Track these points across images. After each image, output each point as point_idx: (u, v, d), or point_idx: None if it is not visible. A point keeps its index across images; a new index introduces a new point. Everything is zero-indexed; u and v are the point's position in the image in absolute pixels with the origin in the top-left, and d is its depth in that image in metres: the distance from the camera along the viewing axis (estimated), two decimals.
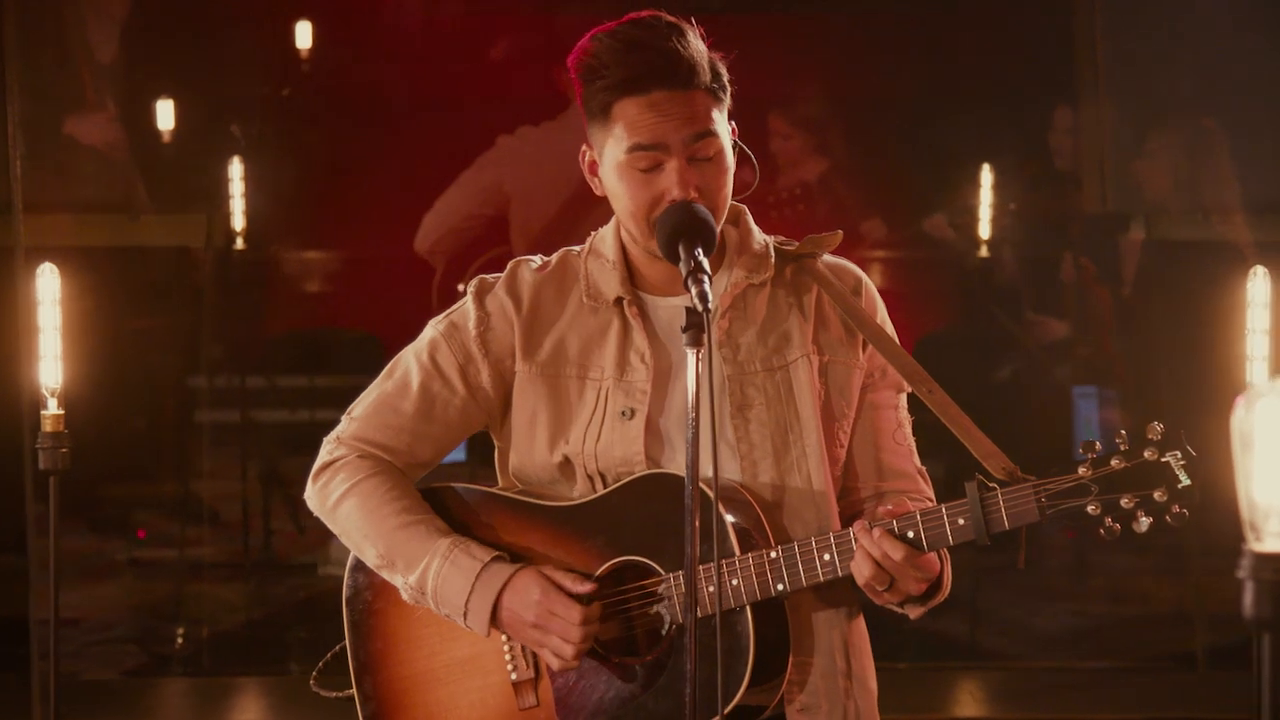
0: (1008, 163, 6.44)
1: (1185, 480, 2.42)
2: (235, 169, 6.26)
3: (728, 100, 2.62)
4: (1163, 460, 2.43)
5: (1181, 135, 6.30)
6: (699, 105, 2.56)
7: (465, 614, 2.65)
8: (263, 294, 6.63)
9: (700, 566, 2.45)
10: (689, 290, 2.38)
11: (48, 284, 3.80)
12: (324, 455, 2.79)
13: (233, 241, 6.31)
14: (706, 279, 2.39)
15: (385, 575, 2.73)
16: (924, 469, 2.78)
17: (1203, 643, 5.98)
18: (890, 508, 2.64)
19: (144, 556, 6.46)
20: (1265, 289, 3.79)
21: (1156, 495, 2.43)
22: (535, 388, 2.71)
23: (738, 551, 2.56)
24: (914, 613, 2.65)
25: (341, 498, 2.74)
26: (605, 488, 2.66)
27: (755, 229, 2.74)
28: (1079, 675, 5.97)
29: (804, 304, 2.71)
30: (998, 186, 6.38)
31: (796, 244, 2.74)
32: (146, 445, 6.56)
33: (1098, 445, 2.45)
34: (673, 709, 2.59)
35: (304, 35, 6.43)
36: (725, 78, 2.61)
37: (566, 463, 2.69)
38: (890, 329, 2.76)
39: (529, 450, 2.72)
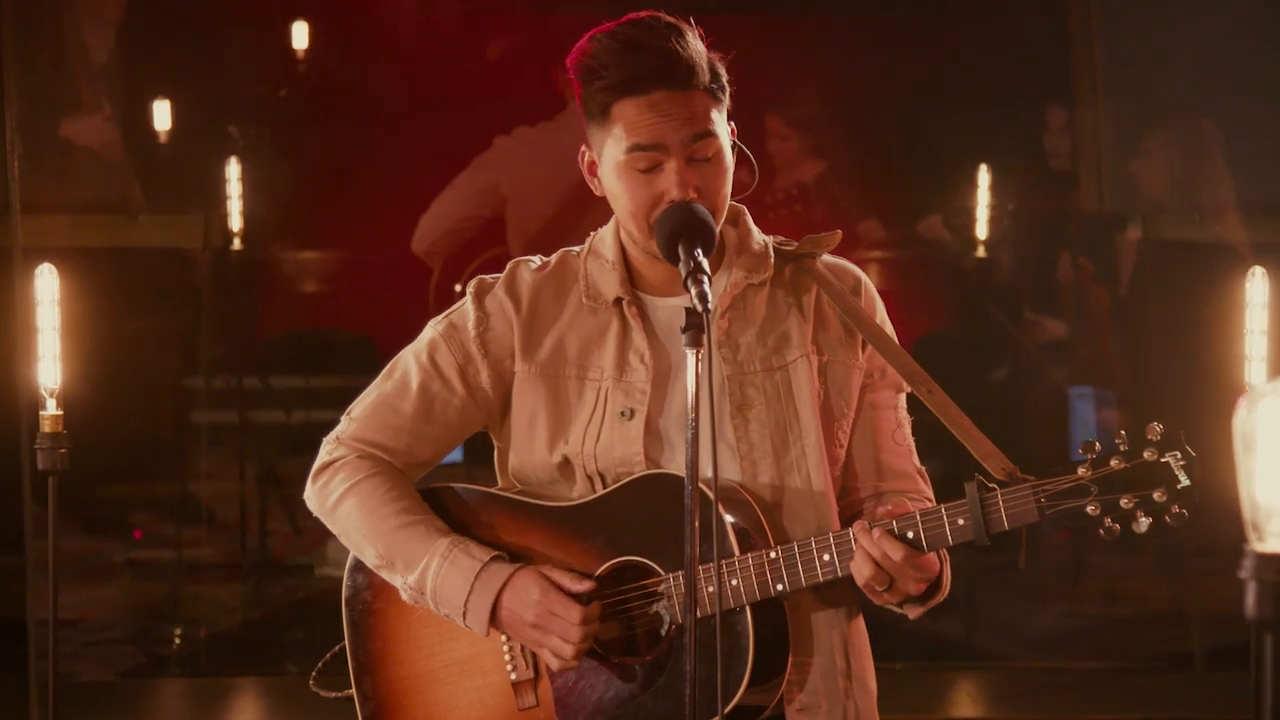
0: (1005, 163, 6.44)
1: (1185, 481, 2.42)
2: (232, 170, 6.26)
3: (727, 101, 2.62)
4: (1162, 461, 2.43)
5: (1178, 135, 6.31)
6: (698, 106, 2.56)
7: (464, 614, 2.65)
8: (260, 295, 6.62)
9: (700, 567, 2.45)
10: (689, 290, 2.38)
11: (47, 284, 3.79)
12: (323, 455, 2.79)
13: (230, 242, 6.30)
14: (706, 279, 2.39)
15: (385, 575, 2.73)
16: (923, 469, 2.78)
17: (1199, 643, 5.99)
18: (890, 508, 2.64)
19: (141, 557, 6.45)
20: (1264, 289, 3.79)
21: (1156, 496, 2.43)
22: (534, 388, 2.71)
23: (737, 552, 2.56)
24: (913, 613, 2.65)
25: (341, 498, 2.74)
26: (605, 488, 2.66)
27: (754, 229, 2.74)
28: (1075, 676, 5.97)
29: (803, 304, 2.71)
30: (995, 187, 6.38)
31: (796, 244, 2.74)
32: (143, 446, 6.55)
33: (1097, 445, 2.45)
34: (672, 709, 2.59)
35: (301, 36, 6.43)
36: (724, 78, 2.61)
37: (566, 463, 2.69)
38: (890, 329, 2.76)
39: (528, 450, 2.72)
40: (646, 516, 2.61)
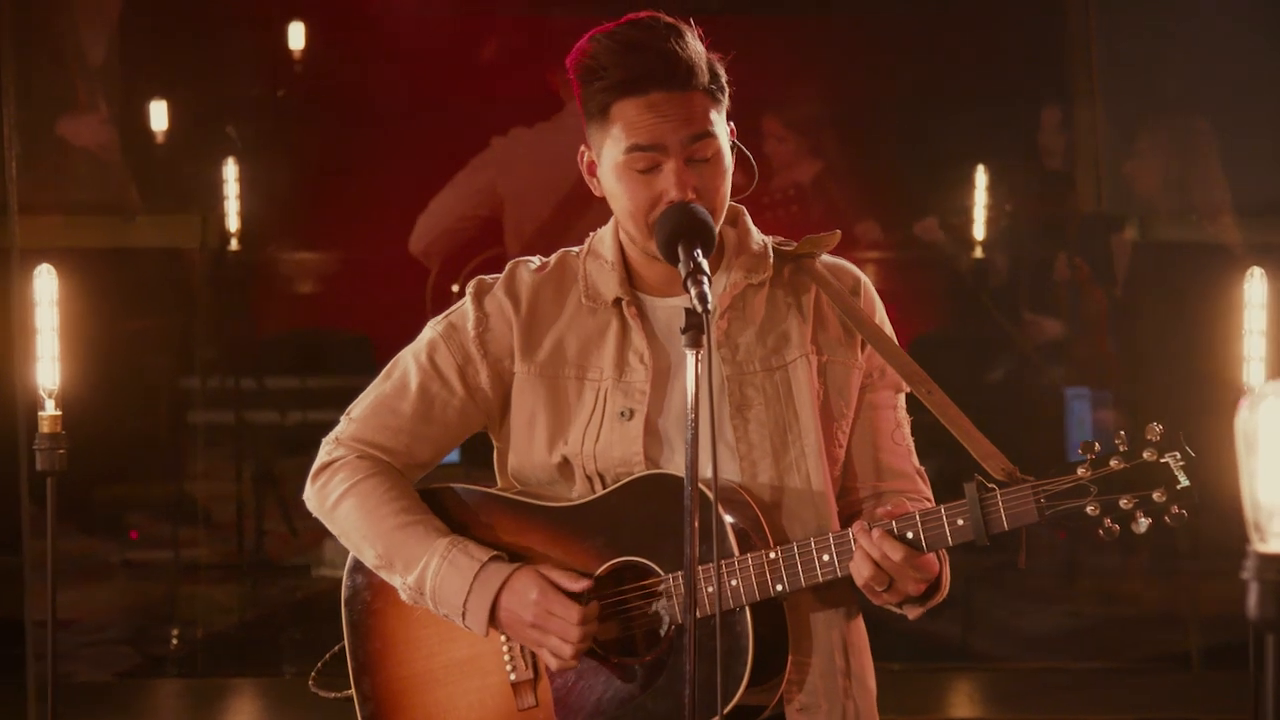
0: (1001, 164, 6.44)
1: (1184, 481, 2.42)
2: (229, 170, 6.26)
3: (726, 101, 2.62)
4: (1162, 461, 2.43)
5: (1175, 136, 6.31)
6: (697, 106, 2.56)
7: (463, 614, 2.65)
8: (257, 295, 6.63)
9: (700, 567, 2.45)
10: (688, 291, 2.38)
11: (45, 285, 3.79)
12: (323, 456, 2.79)
13: (227, 243, 6.31)
14: (706, 280, 2.39)
15: (384, 576, 2.73)
16: (923, 469, 2.78)
17: (1196, 643, 5.99)
18: (889, 508, 2.64)
19: (137, 558, 6.45)
20: (1262, 290, 3.79)
21: (1155, 496, 2.43)
22: (534, 388, 2.71)
23: (737, 552, 2.56)
24: (912, 613, 2.65)
25: (340, 498, 2.74)
26: (604, 488, 2.66)
27: (754, 229, 2.74)
28: (1072, 676, 5.97)
29: (802, 304, 2.71)
30: (991, 187, 6.39)
31: (795, 244, 2.74)
32: (140, 446, 6.55)
33: (1097, 446, 2.45)
34: (672, 709, 2.59)
35: (297, 36, 6.43)
36: (723, 79, 2.61)
37: (565, 463, 2.69)
38: (889, 329, 2.76)
39: (528, 451, 2.72)
40: (646, 517, 2.61)
